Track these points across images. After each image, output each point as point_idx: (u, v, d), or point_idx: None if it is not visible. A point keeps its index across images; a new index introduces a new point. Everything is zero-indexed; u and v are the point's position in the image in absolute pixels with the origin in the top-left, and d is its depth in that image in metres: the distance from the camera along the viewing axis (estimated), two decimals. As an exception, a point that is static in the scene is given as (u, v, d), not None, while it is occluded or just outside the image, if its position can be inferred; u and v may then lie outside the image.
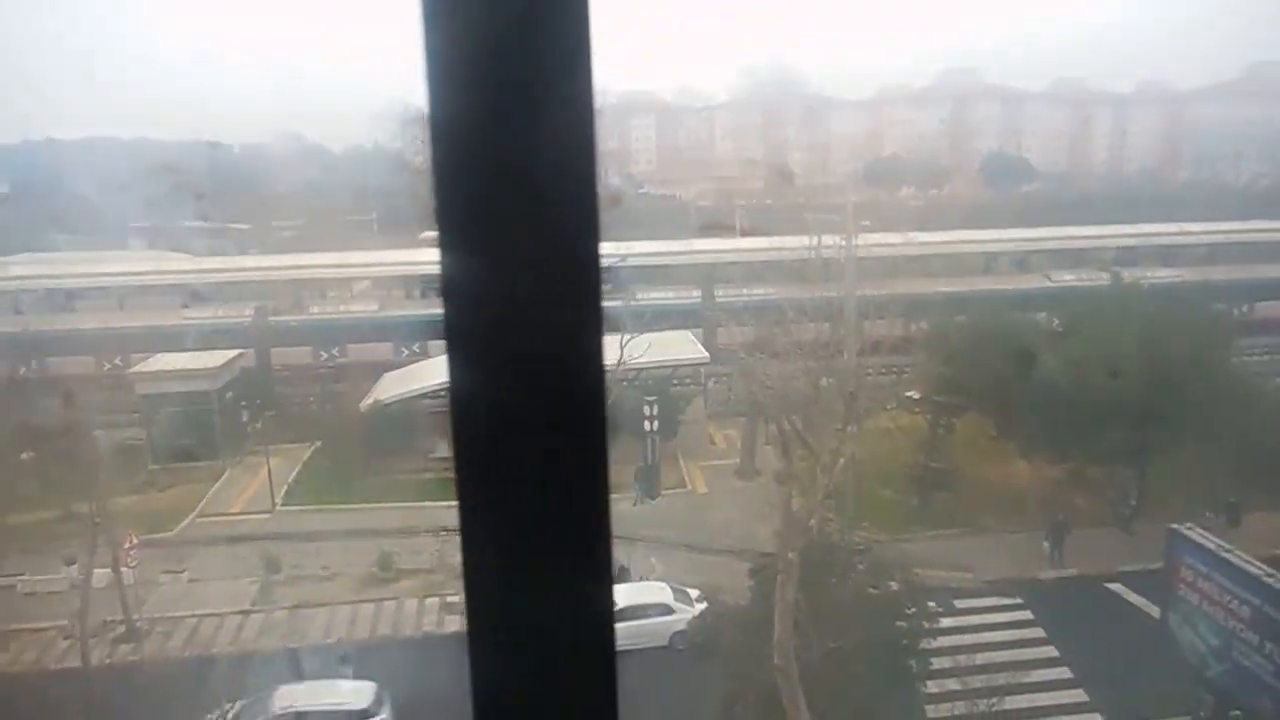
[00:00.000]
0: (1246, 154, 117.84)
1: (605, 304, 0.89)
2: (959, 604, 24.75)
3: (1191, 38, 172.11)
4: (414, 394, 33.78)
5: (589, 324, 0.89)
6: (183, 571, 27.93)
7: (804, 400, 18.08)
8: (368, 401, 34.99)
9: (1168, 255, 53.85)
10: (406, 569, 27.25)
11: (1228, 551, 17.67)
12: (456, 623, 24.99)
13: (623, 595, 23.85)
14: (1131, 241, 56.98)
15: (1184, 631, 18.22)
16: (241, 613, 25.87)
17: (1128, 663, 20.80)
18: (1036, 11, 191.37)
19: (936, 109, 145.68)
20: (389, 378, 37.63)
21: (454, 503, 0.86)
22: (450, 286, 0.83)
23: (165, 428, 34.94)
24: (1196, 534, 18.63)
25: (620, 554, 25.89)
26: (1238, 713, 17.28)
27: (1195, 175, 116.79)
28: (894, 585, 20.60)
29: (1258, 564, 17.19)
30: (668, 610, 23.48)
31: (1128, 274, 46.07)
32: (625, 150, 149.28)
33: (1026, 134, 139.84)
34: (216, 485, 33.48)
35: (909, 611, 20.49)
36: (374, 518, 29.78)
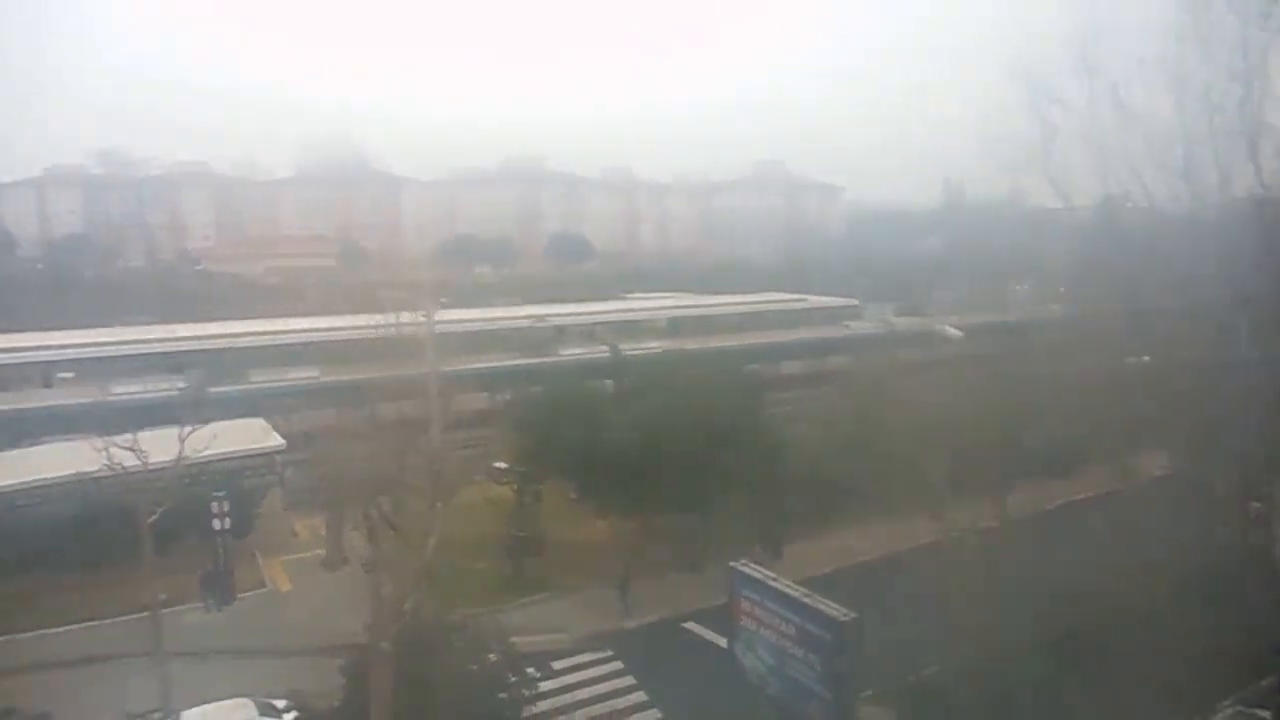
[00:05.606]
0: (759, 237, 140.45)
1: None
2: (556, 665, 25.55)
3: (711, 137, 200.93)
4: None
5: None
6: None
7: (390, 482, 17.59)
8: None
9: (709, 323, 61.38)
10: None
11: (774, 580, 20.21)
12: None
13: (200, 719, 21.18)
14: (680, 312, 64.36)
15: (747, 656, 20.42)
16: None
17: (704, 694, 22.83)
18: (588, 100, 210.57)
19: (505, 191, 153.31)
20: None
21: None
22: None
23: None
24: (750, 568, 21.07)
25: (189, 671, 22.94)
26: (794, 721, 19.67)
27: (723, 254, 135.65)
28: (493, 657, 20.65)
29: (797, 587, 19.88)
30: (252, 729, 21.21)
31: (680, 341, 51.72)
32: (177, 225, 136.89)
33: (586, 217, 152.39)
34: None
35: (510, 681, 20.65)
36: None
